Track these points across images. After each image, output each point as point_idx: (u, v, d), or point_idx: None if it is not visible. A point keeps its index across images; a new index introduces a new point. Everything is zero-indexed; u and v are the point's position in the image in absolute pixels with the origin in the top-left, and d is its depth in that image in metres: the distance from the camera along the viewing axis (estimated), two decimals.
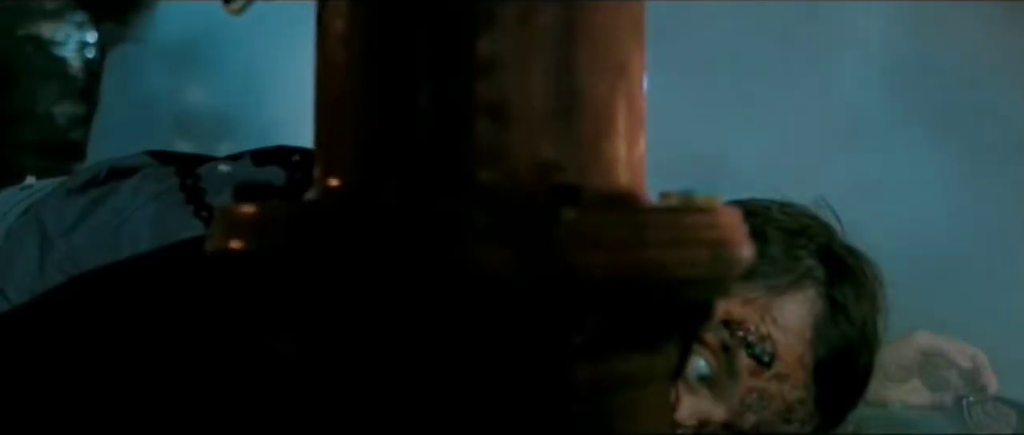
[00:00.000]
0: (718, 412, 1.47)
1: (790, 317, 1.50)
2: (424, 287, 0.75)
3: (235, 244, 0.80)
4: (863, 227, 1.61)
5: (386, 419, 0.79)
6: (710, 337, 1.47)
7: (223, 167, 1.70)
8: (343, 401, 0.80)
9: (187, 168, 1.69)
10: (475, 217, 0.76)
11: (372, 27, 0.81)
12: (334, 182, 0.82)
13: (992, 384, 1.92)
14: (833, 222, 1.60)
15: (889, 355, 1.85)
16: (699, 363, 1.47)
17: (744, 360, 1.46)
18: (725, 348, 1.46)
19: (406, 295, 0.76)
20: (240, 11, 0.97)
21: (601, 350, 0.78)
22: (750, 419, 1.48)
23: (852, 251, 1.57)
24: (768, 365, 1.47)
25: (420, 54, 0.79)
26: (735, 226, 0.82)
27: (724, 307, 1.47)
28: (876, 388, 1.72)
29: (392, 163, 0.79)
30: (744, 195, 1.48)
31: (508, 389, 0.78)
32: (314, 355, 0.80)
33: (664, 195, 0.84)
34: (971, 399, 1.91)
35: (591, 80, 0.80)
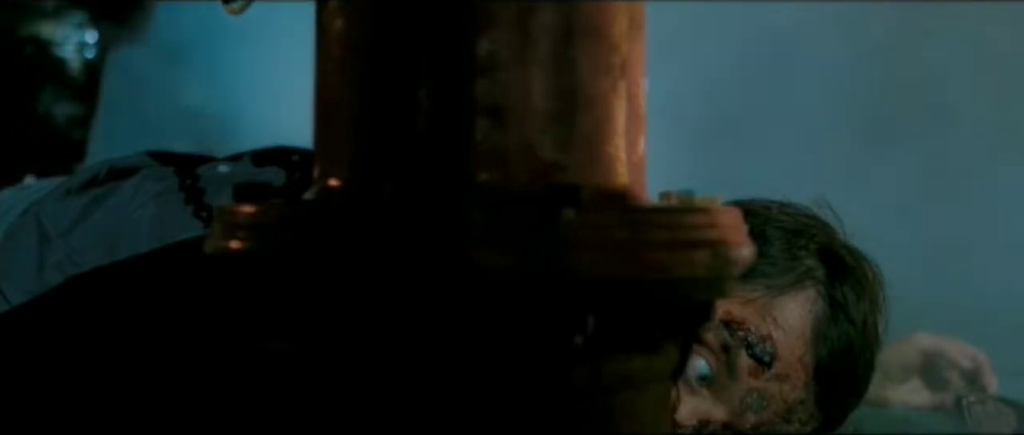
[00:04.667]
0: (718, 412, 1.47)
1: (790, 317, 1.50)
2: (424, 287, 0.75)
3: (234, 244, 0.80)
4: None
5: (386, 419, 0.79)
6: (710, 337, 1.47)
7: (223, 167, 1.70)
8: (342, 401, 0.80)
9: (187, 168, 1.69)
10: (475, 217, 0.76)
11: (371, 27, 0.81)
12: (333, 182, 0.82)
13: (992, 384, 1.92)
14: (833, 222, 1.60)
15: (889, 355, 1.85)
16: (699, 363, 1.47)
17: (744, 360, 1.46)
18: (725, 348, 1.46)
19: (406, 295, 0.76)
20: (240, 12, 0.97)
21: (601, 350, 0.78)
22: (750, 419, 1.47)
23: (852, 251, 1.57)
24: (768, 365, 1.47)
25: (420, 54, 0.79)
26: (735, 226, 0.82)
27: (724, 307, 1.46)
28: (876, 388, 1.72)
29: (392, 163, 0.79)
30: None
31: (508, 389, 0.78)
32: (314, 355, 0.80)
33: (664, 195, 0.84)
34: (971, 399, 1.91)
35: (591, 80, 0.80)
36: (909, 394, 1.94)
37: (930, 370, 1.94)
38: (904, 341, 1.92)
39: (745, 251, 0.82)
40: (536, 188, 0.78)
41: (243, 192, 0.82)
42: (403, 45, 0.79)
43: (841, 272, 1.54)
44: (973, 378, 1.92)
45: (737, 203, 0.97)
